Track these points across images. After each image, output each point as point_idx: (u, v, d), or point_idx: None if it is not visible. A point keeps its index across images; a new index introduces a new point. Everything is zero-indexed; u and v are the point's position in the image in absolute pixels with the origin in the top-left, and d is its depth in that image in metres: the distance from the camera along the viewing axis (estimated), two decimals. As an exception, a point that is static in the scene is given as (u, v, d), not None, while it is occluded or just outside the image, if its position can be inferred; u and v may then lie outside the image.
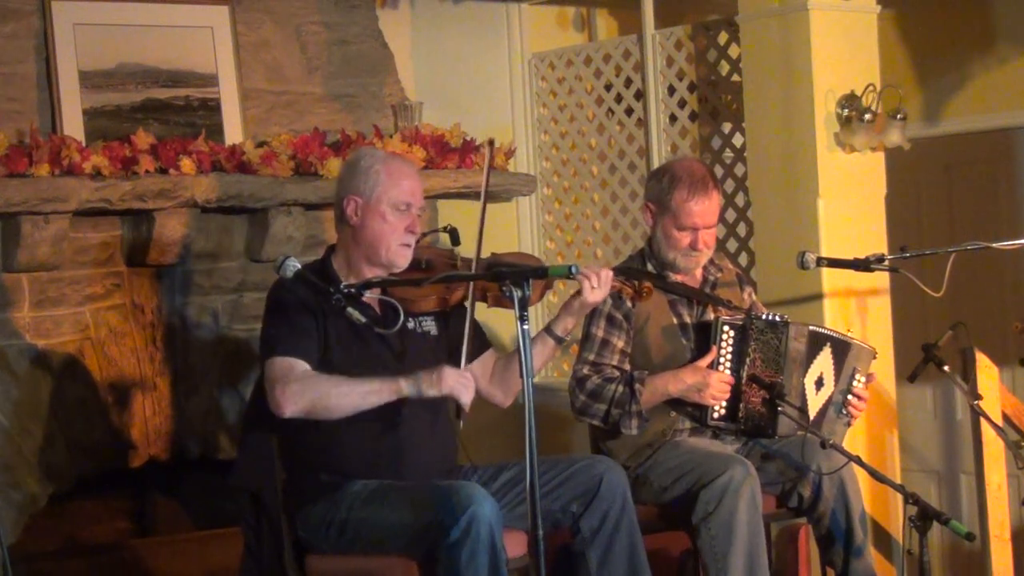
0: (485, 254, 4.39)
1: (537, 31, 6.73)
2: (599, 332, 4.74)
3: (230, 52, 5.63)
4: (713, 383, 4.65)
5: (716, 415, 4.71)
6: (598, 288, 4.24)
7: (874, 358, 4.90)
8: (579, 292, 4.25)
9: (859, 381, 4.83)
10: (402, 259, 4.29)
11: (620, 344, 4.74)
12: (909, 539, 4.34)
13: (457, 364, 4.20)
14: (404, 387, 4.10)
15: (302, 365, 4.12)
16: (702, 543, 4.52)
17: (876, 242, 5.69)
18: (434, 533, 3.98)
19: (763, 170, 5.82)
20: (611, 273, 4.29)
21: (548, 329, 4.37)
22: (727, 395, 4.67)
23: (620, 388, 4.66)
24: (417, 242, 4.35)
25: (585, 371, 4.73)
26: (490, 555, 3.94)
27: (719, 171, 6.07)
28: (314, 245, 5.55)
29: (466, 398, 4.10)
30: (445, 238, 4.47)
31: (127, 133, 5.26)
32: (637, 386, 4.65)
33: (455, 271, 4.34)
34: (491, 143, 4.52)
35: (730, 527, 4.46)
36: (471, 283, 4.27)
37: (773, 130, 5.75)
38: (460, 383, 4.10)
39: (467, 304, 4.33)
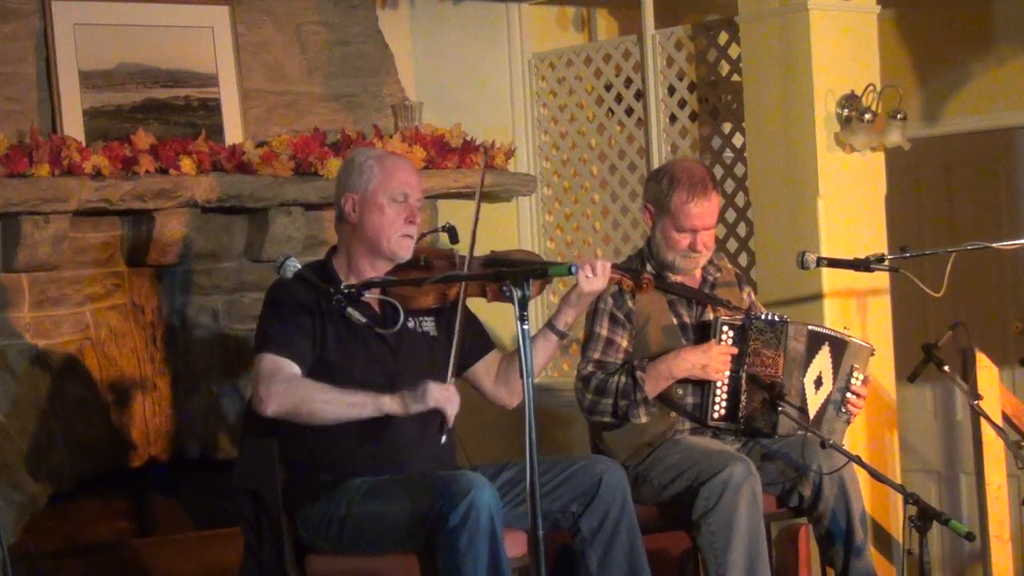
0: (485, 252, 4.39)
1: (537, 31, 6.72)
2: (603, 331, 4.74)
3: (230, 52, 5.63)
4: (714, 356, 4.65)
5: (716, 415, 4.71)
6: (594, 277, 4.25)
7: (872, 355, 4.90)
8: (576, 283, 4.25)
9: (857, 379, 4.82)
10: (404, 250, 4.29)
11: (624, 343, 4.74)
12: (909, 539, 4.34)
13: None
14: (388, 404, 4.09)
15: (292, 367, 4.12)
16: (702, 540, 4.51)
17: (876, 242, 5.68)
18: (433, 521, 3.97)
19: (763, 170, 5.81)
20: (608, 264, 4.30)
21: (550, 324, 4.37)
22: (728, 366, 4.66)
23: (623, 379, 4.65)
24: (417, 241, 4.35)
25: (590, 369, 4.72)
26: (490, 541, 3.92)
27: (719, 171, 6.06)
28: (314, 245, 5.55)
29: (451, 411, 4.11)
30: (444, 237, 4.47)
31: (127, 133, 5.26)
32: (639, 374, 4.64)
33: (454, 270, 4.33)
34: (486, 150, 4.52)
35: (730, 523, 4.45)
36: (464, 284, 4.26)
37: (773, 130, 5.75)
38: (444, 396, 4.10)
39: (464, 304, 4.34)
